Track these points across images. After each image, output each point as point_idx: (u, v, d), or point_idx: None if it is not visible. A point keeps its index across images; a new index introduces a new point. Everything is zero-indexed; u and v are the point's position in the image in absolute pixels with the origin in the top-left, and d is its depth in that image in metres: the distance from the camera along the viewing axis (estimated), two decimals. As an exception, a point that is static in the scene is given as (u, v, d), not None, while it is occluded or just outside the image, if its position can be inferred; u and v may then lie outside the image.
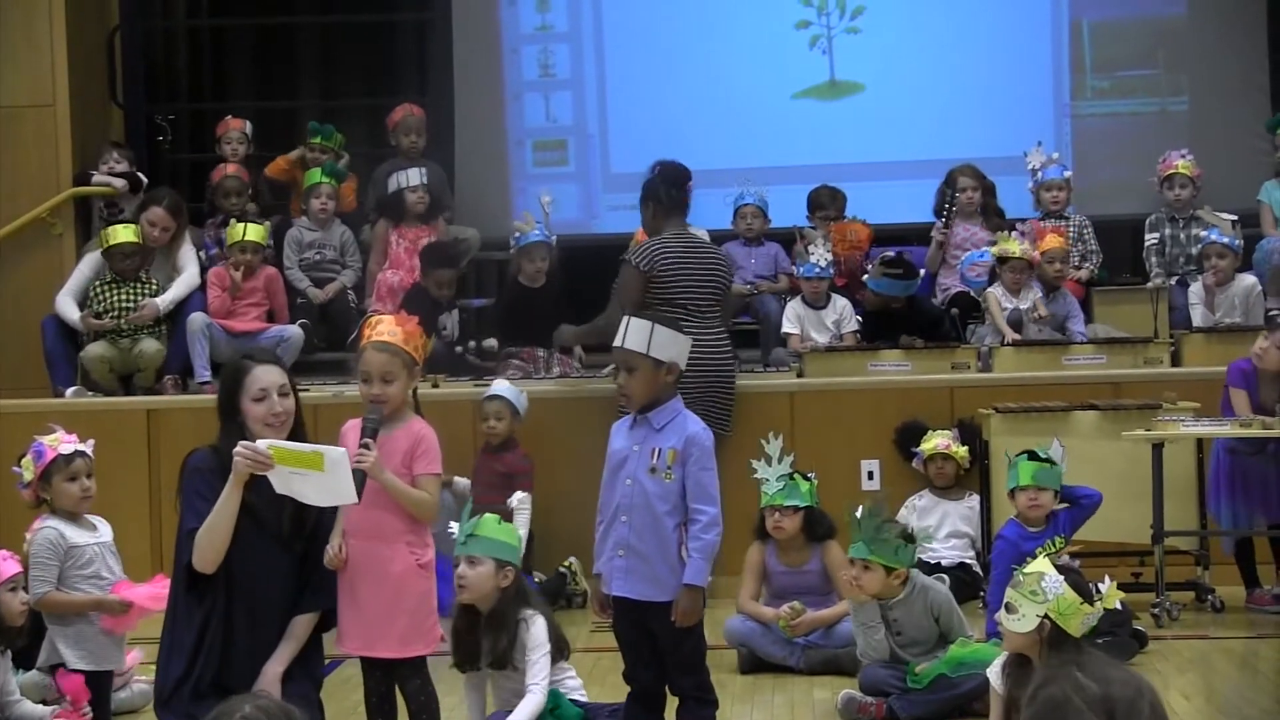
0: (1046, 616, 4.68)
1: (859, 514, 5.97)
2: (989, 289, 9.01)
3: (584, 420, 8.14)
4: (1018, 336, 8.77)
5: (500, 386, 8.35)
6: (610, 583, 5.27)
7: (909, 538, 6.05)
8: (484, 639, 5.41)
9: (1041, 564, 4.83)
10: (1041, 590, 4.72)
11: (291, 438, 5.03)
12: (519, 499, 5.63)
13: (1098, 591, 4.80)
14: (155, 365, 9.09)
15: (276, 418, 5.03)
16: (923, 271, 9.26)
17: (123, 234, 9.20)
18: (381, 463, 5.06)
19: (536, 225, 9.16)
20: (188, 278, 9.29)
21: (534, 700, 5.34)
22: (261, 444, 4.88)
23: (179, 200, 9.55)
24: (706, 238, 8.62)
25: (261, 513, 4.98)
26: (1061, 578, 4.72)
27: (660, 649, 5.26)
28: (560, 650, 5.54)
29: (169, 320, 9.21)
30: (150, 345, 9.09)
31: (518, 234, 9.24)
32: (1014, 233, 9.18)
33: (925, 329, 8.95)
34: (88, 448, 5.88)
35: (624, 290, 8.02)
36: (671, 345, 5.25)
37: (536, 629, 5.41)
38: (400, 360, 5.18)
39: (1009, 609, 4.80)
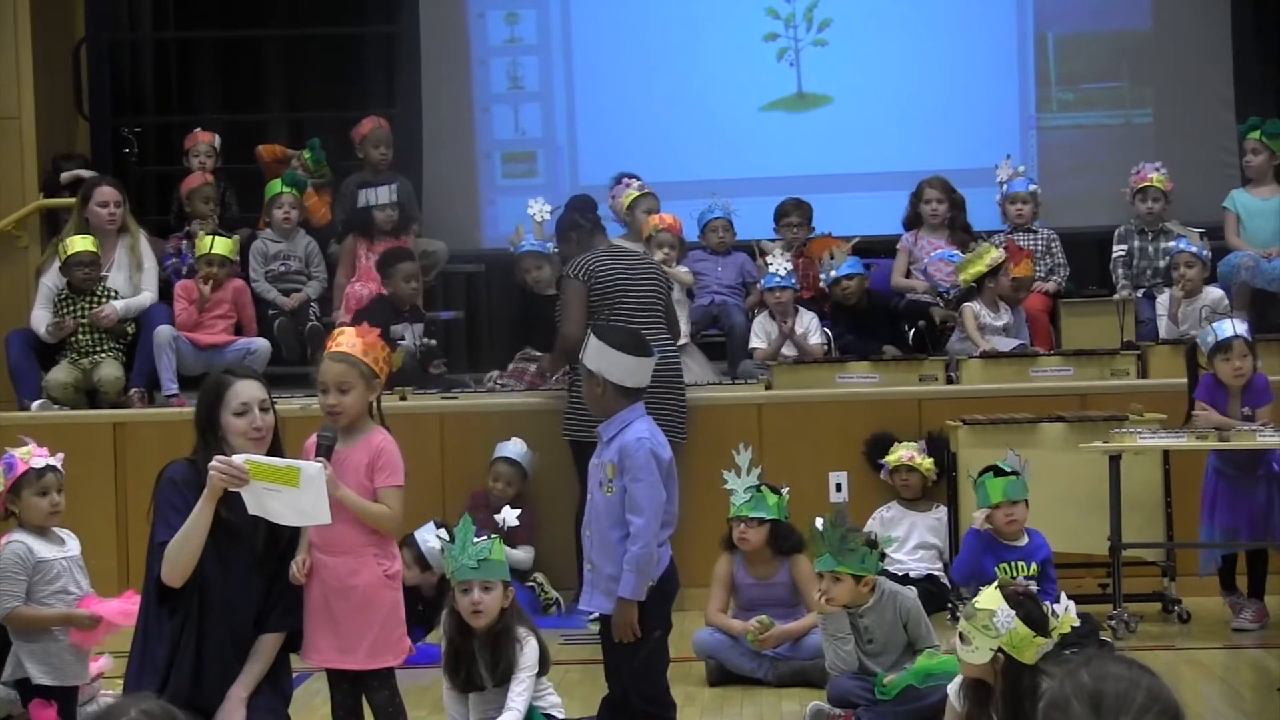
0: (1000, 650, 4.75)
1: (820, 526, 5.98)
2: (965, 304, 9.00)
3: (548, 435, 8.17)
4: (994, 348, 8.75)
5: (510, 448, 8.27)
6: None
7: (873, 544, 6.07)
8: (480, 658, 5.41)
9: (992, 597, 4.86)
10: (993, 627, 4.77)
11: (269, 453, 5.01)
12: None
13: (1054, 615, 4.88)
14: (115, 390, 8.88)
15: (258, 432, 5.00)
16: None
17: (80, 244, 8.94)
18: (339, 478, 5.03)
19: (526, 235, 9.12)
20: (146, 297, 9.14)
21: (511, 718, 5.34)
22: (238, 458, 4.86)
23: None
24: (641, 251, 8.71)
25: (236, 531, 4.95)
26: (1013, 613, 4.77)
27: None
28: (543, 667, 5.54)
29: (127, 329, 9.08)
30: (110, 370, 8.87)
31: (512, 246, 9.21)
32: (991, 241, 9.22)
33: (896, 319, 9.18)
34: (58, 461, 5.86)
35: (566, 305, 7.97)
36: (599, 357, 5.27)
37: (530, 649, 5.43)
38: (357, 371, 5.15)
39: (963, 639, 4.87)
